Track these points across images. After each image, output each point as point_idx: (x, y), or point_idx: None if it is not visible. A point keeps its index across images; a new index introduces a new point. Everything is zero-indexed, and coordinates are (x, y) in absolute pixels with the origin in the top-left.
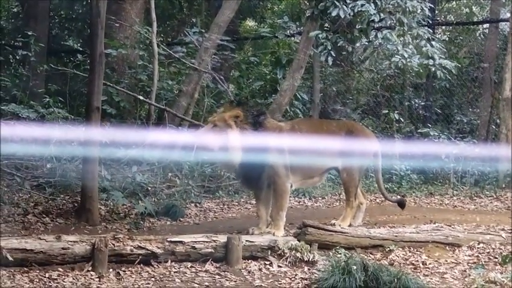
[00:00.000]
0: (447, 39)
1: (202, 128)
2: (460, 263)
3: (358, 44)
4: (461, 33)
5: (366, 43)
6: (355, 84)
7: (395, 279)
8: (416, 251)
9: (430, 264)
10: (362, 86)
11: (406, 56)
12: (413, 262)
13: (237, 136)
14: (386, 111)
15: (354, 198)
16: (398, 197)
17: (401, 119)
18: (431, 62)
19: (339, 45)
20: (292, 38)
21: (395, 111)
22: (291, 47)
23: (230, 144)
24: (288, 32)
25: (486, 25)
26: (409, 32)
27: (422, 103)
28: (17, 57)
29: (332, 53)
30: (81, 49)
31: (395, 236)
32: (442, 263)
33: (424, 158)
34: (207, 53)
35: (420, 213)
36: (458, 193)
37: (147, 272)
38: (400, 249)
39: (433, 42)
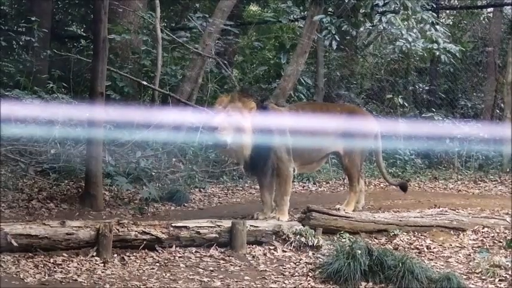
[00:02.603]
0: (451, 23)
1: (216, 114)
2: (464, 247)
3: (362, 29)
4: (465, 17)
5: (370, 27)
6: (359, 68)
7: (400, 264)
8: (421, 235)
9: (434, 248)
10: (366, 70)
11: (410, 40)
12: (417, 246)
13: (250, 127)
14: (391, 95)
15: (357, 183)
16: (400, 180)
17: (405, 103)
18: (435, 46)
19: (343, 29)
20: (296, 23)
21: (400, 96)
22: (295, 32)
23: (243, 134)
24: (292, 16)
25: (490, 9)
26: (413, 16)
27: (427, 88)
28: (20, 43)
29: (336, 37)
30: (84, 34)
31: (400, 220)
32: (446, 247)
33: (428, 143)
34: (210, 38)
35: (424, 198)
36: (463, 177)
37: (151, 257)
38: (405, 233)
39: (437, 27)
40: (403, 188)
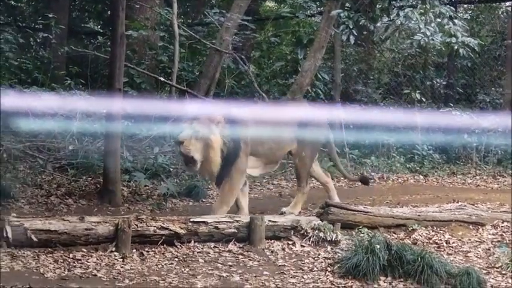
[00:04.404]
0: (469, 17)
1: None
2: (483, 241)
3: (379, 23)
4: (484, 11)
5: (388, 22)
6: (376, 63)
7: (419, 258)
8: (440, 230)
9: (453, 243)
10: (383, 65)
11: (428, 34)
12: (436, 241)
13: (219, 142)
14: (408, 90)
15: (305, 183)
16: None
17: (423, 98)
18: (454, 40)
19: (360, 24)
20: (313, 18)
21: (417, 91)
22: (312, 27)
23: (211, 150)
24: (309, 11)
25: (508, 3)
26: (431, 10)
27: (444, 82)
28: (38, 40)
29: (354, 32)
30: (101, 31)
31: (418, 215)
32: (465, 242)
33: (446, 137)
34: (227, 33)
35: (443, 193)
36: (481, 172)
37: (170, 252)
38: (423, 228)
39: (456, 20)
40: (364, 181)
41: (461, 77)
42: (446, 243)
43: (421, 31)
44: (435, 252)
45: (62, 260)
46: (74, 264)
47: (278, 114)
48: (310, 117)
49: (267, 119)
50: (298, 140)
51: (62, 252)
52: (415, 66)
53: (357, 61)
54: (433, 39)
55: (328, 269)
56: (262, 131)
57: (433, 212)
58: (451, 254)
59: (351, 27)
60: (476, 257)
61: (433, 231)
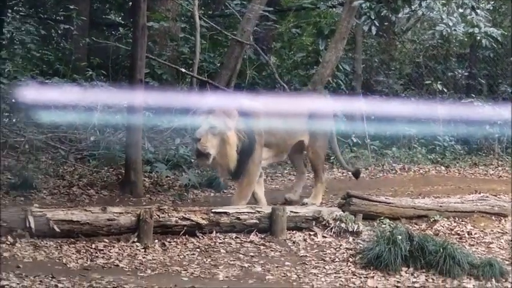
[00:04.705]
0: (491, 7)
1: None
2: (506, 232)
3: (400, 14)
4: (506, 1)
5: (410, 12)
6: (398, 54)
7: (441, 249)
8: (462, 221)
9: (475, 234)
10: (404, 56)
11: (450, 24)
12: (458, 232)
13: (235, 138)
14: (430, 81)
15: (323, 173)
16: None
17: (444, 89)
18: (476, 30)
19: (382, 14)
20: (334, 9)
21: (439, 82)
22: (333, 18)
23: (228, 146)
24: (330, 2)
25: None
26: (454, 1)
27: (466, 73)
28: (59, 31)
29: (375, 22)
30: (122, 22)
31: (440, 206)
32: (488, 233)
33: (467, 128)
34: (249, 24)
35: (465, 184)
36: (503, 163)
37: (192, 242)
38: (445, 219)
39: (478, 11)
40: (355, 174)
41: (483, 68)
42: (468, 234)
43: (443, 21)
44: (457, 243)
45: (84, 251)
46: (96, 255)
47: (288, 104)
48: (319, 107)
49: (278, 109)
50: (309, 132)
51: (84, 242)
52: (436, 57)
53: (378, 52)
54: (455, 30)
55: (350, 259)
56: (275, 122)
57: (455, 203)
58: (473, 245)
59: (373, 17)
60: (499, 248)
61: (455, 222)
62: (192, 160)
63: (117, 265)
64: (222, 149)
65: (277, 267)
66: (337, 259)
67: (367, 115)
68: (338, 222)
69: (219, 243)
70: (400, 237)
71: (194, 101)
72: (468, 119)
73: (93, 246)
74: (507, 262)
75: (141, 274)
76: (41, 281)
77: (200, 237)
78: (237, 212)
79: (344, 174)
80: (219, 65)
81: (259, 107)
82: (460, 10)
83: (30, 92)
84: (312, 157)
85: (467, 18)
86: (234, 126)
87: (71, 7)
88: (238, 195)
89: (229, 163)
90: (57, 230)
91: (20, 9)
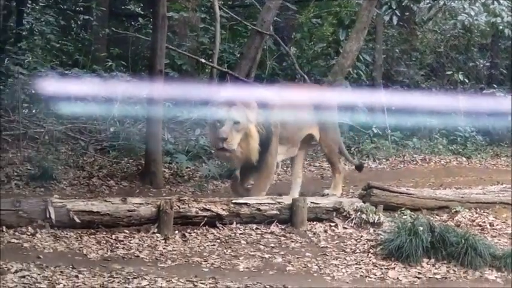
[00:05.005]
0: None
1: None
2: None
3: (422, 4)
4: None
5: (431, 2)
6: (418, 45)
7: (463, 240)
8: (483, 212)
9: (497, 225)
10: (425, 47)
11: (472, 14)
12: (480, 223)
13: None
14: (451, 72)
15: (339, 162)
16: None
17: (465, 80)
18: (499, 20)
19: (403, 4)
20: None
21: (460, 72)
22: (354, 8)
23: (251, 140)
24: None
25: None
26: None
27: (488, 63)
28: (79, 22)
29: (397, 12)
30: (142, 13)
31: (462, 197)
32: (510, 224)
33: (489, 119)
34: (269, 15)
35: (486, 175)
36: None
37: (212, 233)
38: (467, 210)
39: (501, 0)
40: (359, 168)
41: (505, 58)
42: (490, 225)
43: (465, 11)
44: (479, 235)
45: (104, 241)
46: (117, 246)
47: (296, 96)
48: (325, 99)
49: (287, 101)
50: (319, 124)
51: (104, 233)
52: (458, 47)
53: (399, 42)
54: (477, 20)
55: (371, 250)
56: (288, 114)
57: (476, 194)
58: (495, 236)
59: (394, 7)
60: None
61: (476, 213)
62: (212, 151)
63: (138, 256)
64: (244, 142)
65: (297, 258)
66: (357, 250)
67: (388, 106)
68: (359, 213)
69: (240, 234)
70: (421, 228)
71: (214, 91)
72: (490, 109)
73: (114, 237)
74: None
75: (162, 265)
76: (61, 271)
77: (220, 228)
78: (257, 203)
79: (364, 165)
80: (238, 55)
81: (273, 98)
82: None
83: (50, 83)
84: (326, 151)
85: (489, 8)
86: (254, 118)
87: None
88: (258, 187)
89: (251, 156)
90: (77, 220)
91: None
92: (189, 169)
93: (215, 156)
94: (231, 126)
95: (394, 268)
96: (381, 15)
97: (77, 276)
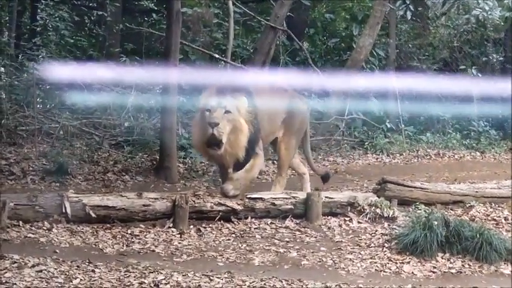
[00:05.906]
0: None
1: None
2: None
3: None
4: None
5: None
6: (431, 39)
7: (478, 235)
8: (498, 206)
9: None
10: (438, 41)
11: (487, 8)
12: (495, 218)
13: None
14: (464, 66)
15: (285, 173)
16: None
17: (479, 74)
18: None
19: None
20: None
21: (473, 67)
22: (367, 3)
23: (240, 134)
24: None
25: None
26: None
27: (501, 58)
28: (93, 18)
29: (411, 7)
30: (156, 8)
31: (476, 191)
32: None
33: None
34: (282, 10)
35: (500, 169)
36: None
37: (227, 228)
38: (481, 204)
39: None
40: (325, 178)
41: None
42: (504, 220)
43: (479, 6)
44: (494, 229)
45: (120, 236)
46: (132, 240)
47: (271, 97)
48: (296, 104)
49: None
50: (284, 128)
51: (120, 228)
52: (471, 41)
53: (412, 37)
54: (491, 14)
55: (386, 245)
56: (269, 112)
57: (491, 188)
58: (509, 231)
59: (408, 2)
60: None
61: (491, 207)
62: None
63: (153, 250)
64: (233, 137)
65: (312, 252)
66: (372, 244)
67: (401, 99)
68: (373, 207)
69: (254, 228)
70: (436, 222)
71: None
72: (503, 104)
73: (129, 231)
74: None
75: (177, 259)
76: (78, 266)
77: (235, 222)
78: (272, 198)
79: (378, 160)
80: (252, 50)
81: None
82: None
83: (65, 79)
84: (282, 153)
85: (503, 2)
86: (245, 113)
87: None
88: (245, 184)
89: (239, 152)
90: (93, 215)
91: None
92: (203, 164)
93: (197, 149)
94: (222, 114)
95: (409, 262)
96: (395, 10)
97: (93, 271)
